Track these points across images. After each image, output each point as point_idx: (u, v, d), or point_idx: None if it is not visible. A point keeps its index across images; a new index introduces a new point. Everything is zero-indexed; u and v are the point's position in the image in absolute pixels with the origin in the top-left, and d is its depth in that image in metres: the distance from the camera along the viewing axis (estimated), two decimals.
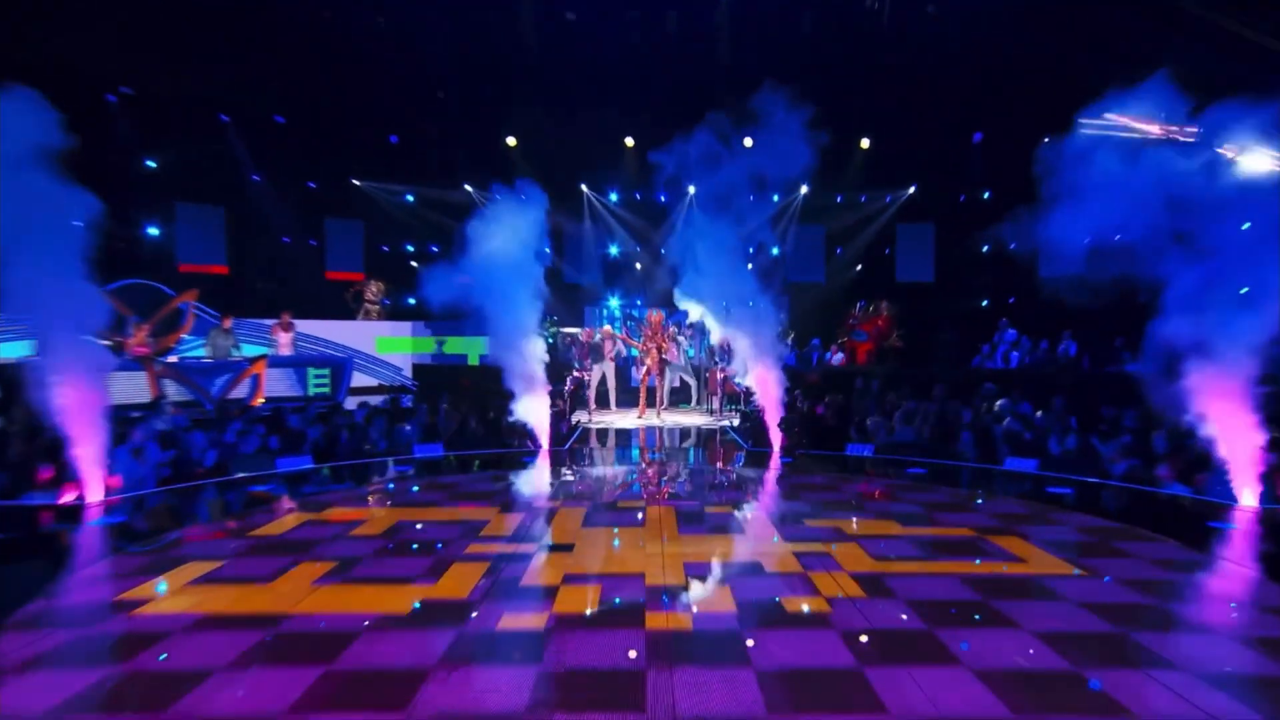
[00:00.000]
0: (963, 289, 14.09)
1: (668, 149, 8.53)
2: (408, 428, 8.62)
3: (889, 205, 14.42)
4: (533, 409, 8.71)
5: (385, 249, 14.45)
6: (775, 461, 8.16)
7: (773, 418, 8.82)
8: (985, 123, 12.76)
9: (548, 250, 14.94)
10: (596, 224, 14.82)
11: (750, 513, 5.78)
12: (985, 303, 13.97)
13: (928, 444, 8.29)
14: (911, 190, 14.30)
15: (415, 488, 6.72)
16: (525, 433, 8.84)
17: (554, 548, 4.70)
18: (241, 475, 6.87)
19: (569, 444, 9.24)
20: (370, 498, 6.33)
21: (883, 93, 11.83)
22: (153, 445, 6.45)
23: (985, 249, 13.31)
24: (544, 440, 8.81)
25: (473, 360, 12.91)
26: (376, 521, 5.35)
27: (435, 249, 13.83)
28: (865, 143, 13.47)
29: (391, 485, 6.82)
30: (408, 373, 12.85)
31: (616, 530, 5.09)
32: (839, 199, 14.33)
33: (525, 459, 8.32)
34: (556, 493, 6.60)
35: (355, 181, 13.96)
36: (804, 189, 14.06)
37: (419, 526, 5.20)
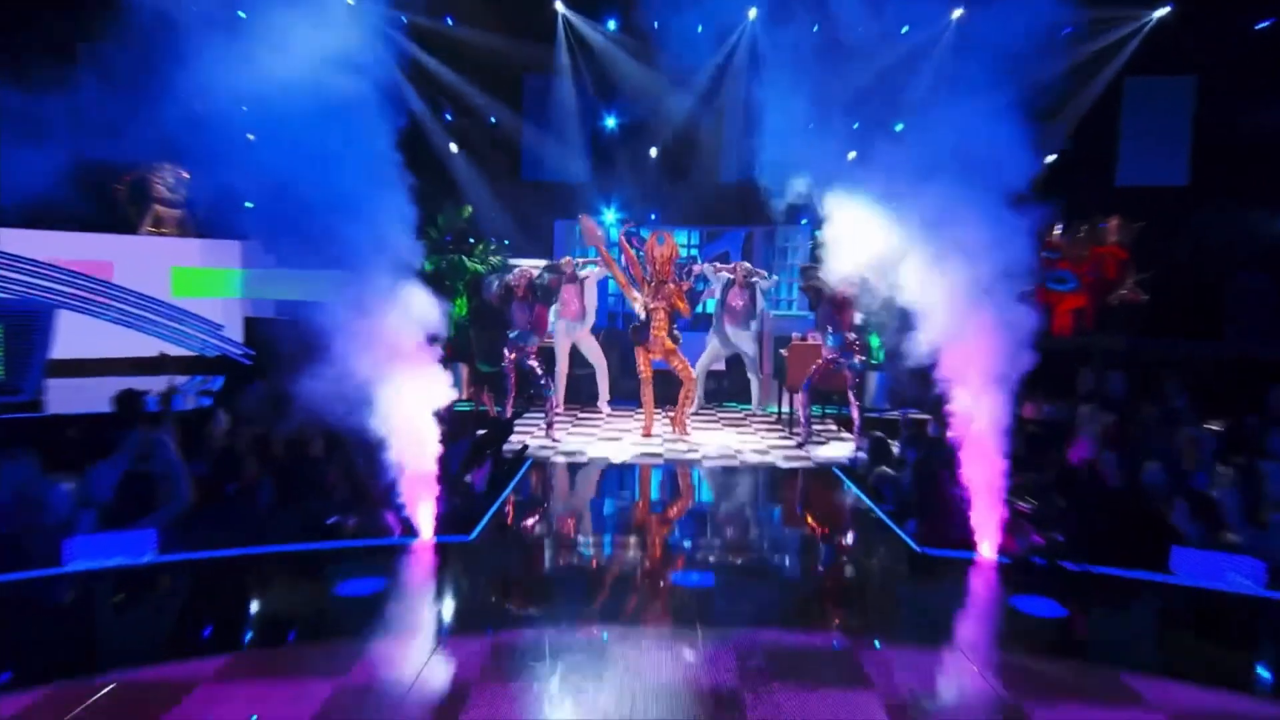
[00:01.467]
0: (1255, 199, 10.58)
1: None
2: (65, 488, 4.08)
3: (1113, 44, 11.11)
4: (412, 431, 4.55)
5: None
6: (1002, 606, 4.03)
7: (978, 473, 4.48)
8: None
9: (493, 121, 11.45)
10: (582, 78, 11.91)
11: None
12: None
13: None
14: (1160, 14, 10.81)
15: None
16: (379, 498, 4.58)
17: None
18: None
19: (485, 523, 4.66)
20: None
21: None
22: None
23: None
24: (426, 517, 4.52)
25: None
26: None
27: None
28: None
29: None
30: (237, 334, 9.63)
31: None
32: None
33: (362, 584, 3.93)
34: None
35: None
36: (958, 12, 10.44)
37: None
